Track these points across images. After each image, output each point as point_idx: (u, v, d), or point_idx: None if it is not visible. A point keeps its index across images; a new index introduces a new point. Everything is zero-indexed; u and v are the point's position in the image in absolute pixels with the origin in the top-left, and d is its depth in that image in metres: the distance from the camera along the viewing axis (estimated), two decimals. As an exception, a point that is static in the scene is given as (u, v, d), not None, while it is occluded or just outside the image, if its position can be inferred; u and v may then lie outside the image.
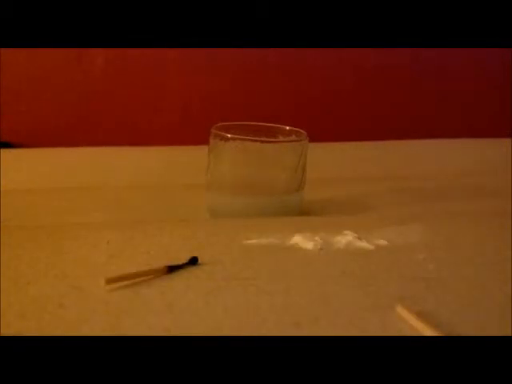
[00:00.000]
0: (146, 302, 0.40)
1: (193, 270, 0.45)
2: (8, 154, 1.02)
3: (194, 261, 0.46)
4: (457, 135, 1.16)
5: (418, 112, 1.32)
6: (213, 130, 0.63)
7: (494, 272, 0.46)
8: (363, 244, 0.51)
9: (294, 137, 0.64)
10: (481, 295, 0.41)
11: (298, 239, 0.51)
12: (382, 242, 0.52)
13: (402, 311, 0.38)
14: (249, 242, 0.52)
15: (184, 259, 0.46)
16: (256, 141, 0.61)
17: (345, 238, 0.52)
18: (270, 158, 0.63)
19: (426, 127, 1.29)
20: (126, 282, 0.42)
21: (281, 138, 0.65)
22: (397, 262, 0.47)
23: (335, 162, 1.01)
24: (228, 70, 1.25)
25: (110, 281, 0.41)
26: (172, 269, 0.45)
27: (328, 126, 1.25)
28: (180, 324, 0.37)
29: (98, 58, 1.22)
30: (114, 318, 0.37)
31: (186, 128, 1.24)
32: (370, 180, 0.85)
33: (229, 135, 0.62)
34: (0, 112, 1.18)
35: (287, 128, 0.66)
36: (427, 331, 0.35)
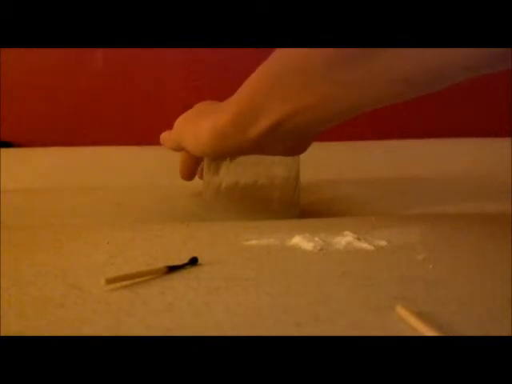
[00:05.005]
0: (146, 301, 0.40)
1: (193, 270, 0.45)
2: (8, 153, 1.03)
3: (194, 261, 0.46)
4: (457, 135, 1.16)
5: (418, 112, 1.32)
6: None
7: (494, 272, 0.46)
8: (363, 244, 0.51)
9: None
10: (481, 295, 0.41)
11: (297, 240, 0.51)
12: (382, 243, 0.52)
13: (401, 311, 0.38)
14: (249, 242, 0.52)
15: (184, 259, 0.46)
16: None
17: (344, 239, 0.52)
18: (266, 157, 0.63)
19: (426, 127, 1.29)
20: (125, 282, 0.42)
21: None
22: (397, 262, 0.47)
23: (335, 161, 1.01)
24: (228, 70, 1.25)
25: (109, 281, 0.41)
26: (172, 269, 0.45)
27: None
28: (180, 324, 0.37)
29: (98, 57, 1.23)
30: (114, 318, 0.37)
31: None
32: (370, 180, 0.85)
33: None
34: (0, 112, 1.18)
35: None
36: (427, 331, 0.35)
